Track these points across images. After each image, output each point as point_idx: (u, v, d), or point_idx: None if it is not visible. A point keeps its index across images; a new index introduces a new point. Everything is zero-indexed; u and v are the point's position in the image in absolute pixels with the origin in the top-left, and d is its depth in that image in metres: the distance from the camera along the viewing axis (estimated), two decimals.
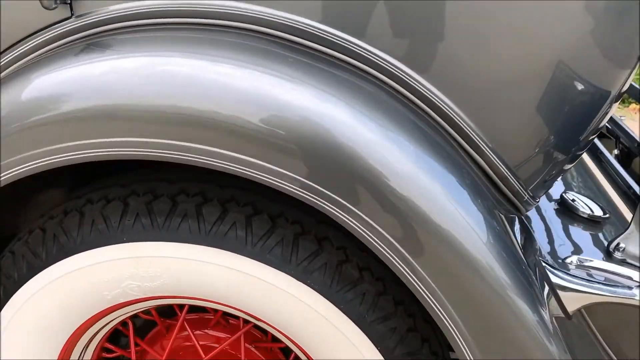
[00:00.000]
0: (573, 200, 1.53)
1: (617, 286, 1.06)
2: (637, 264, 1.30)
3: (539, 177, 1.16)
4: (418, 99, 1.02)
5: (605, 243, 1.36)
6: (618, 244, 1.31)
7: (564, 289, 1.06)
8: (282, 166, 0.90)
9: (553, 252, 1.32)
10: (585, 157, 2.01)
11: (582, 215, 1.49)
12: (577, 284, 1.06)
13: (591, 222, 1.49)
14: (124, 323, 1.23)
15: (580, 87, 1.05)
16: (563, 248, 1.37)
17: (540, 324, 0.96)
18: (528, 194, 1.16)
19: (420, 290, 0.94)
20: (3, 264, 1.10)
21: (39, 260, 1.07)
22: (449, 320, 0.95)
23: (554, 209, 1.54)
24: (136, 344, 1.24)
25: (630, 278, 1.18)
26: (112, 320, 1.18)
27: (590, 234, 1.50)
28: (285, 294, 1.02)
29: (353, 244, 1.03)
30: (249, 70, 0.93)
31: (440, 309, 0.94)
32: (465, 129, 1.04)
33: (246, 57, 0.95)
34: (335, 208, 0.91)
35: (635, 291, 1.04)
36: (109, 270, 1.05)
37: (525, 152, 1.10)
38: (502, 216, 1.07)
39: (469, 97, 1.03)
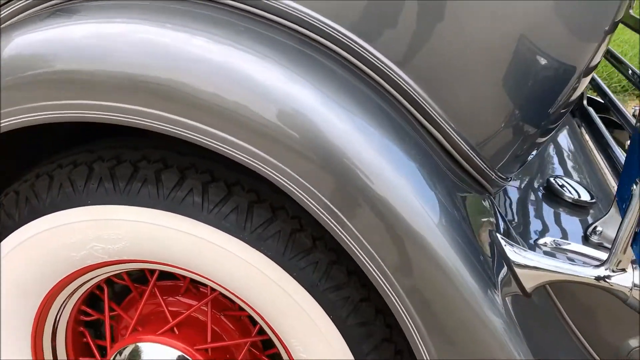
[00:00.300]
0: (562, 185, 1.51)
1: (577, 265, 1.04)
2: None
3: (505, 156, 1.15)
4: (374, 72, 1.02)
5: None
6: (595, 227, 1.30)
7: (521, 266, 1.05)
8: (234, 135, 0.92)
9: (525, 233, 1.31)
10: (591, 145, 1.98)
11: (567, 200, 1.48)
12: (534, 261, 1.05)
13: (577, 207, 1.48)
14: (101, 288, 1.28)
15: (543, 61, 1.04)
16: (540, 230, 1.36)
17: (486, 300, 0.96)
18: (495, 173, 1.16)
19: (366, 264, 0.95)
20: None
21: (11, 221, 1.12)
22: (392, 293, 0.95)
23: (541, 194, 1.52)
24: (111, 309, 1.29)
25: (598, 260, 1.17)
26: (85, 282, 1.23)
27: (578, 218, 1.48)
28: (239, 259, 1.04)
29: (308, 214, 1.05)
30: (222, 45, 0.95)
31: (384, 280, 0.95)
32: (425, 106, 1.04)
33: (219, 31, 0.97)
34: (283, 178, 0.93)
35: (593, 270, 1.02)
36: (75, 231, 1.09)
37: (488, 129, 1.10)
38: (461, 194, 1.07)
39: (428, 73, 1.03)
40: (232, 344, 1.23)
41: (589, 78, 1.16)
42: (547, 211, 1.44)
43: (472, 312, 0.95)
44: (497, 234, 1.08)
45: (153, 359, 1.19)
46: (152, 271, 1.23)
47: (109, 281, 1.28)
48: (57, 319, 1.28)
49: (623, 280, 1.01)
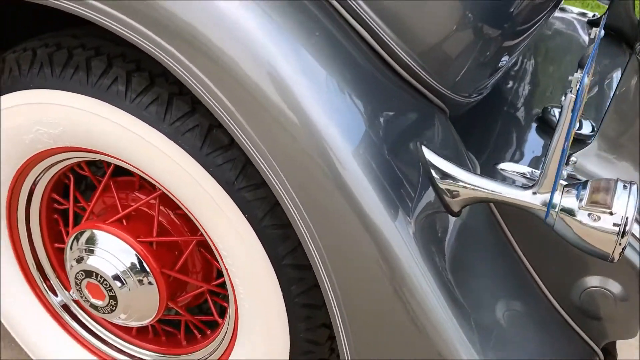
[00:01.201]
0: (556, 115, 1.39)
1: (505, 184, 0.96)
2: (584, 179, 1.17)
3: (453, 71, 1.07)
4: None
5: None
6: (570, 157, 1.19)
7: (444, 181, 0.98)
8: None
9: (491, 158, 1.23)
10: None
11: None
12: (458, 177, 0.98)
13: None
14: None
15: None
16: (511, 157, 1.27)
17: (395, 216, 0.91)
18: (445, 89, 1.08)
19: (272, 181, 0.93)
20: None
21: None
22: (294, 210, 0.93)
23: (536, 122, 1.41)
24: (77, 200, 1.35)
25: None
26: (48, 169, 1.29)
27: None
28: (159, 151, 1.05)
29: None
30: None
31: (285, 195, 0.93)
32: (366, 19, 0.98)
33: None
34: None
35: (519, 191, 0.93)
36: (21, 113, 1.14)
37: (430, 40, 1.02)
38: (391, 111, 1.01)
39: None
40: (173, 239, 1.26)
41: None
42: (533, 140, 1.33)
43: (364, 228, 0.90)
44: (430, 151, 1.00)
45: (105, 248, 1.24)
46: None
47: (76, 174, 1.34)
48: (29, 204, 1.36)
49: (545, 201, 0.92)
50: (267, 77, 0.88)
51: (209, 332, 1.37)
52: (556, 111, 1.37)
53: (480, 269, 1.09)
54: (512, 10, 1.01)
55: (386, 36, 1.00)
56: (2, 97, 1.15)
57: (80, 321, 1.49)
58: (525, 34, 1.12)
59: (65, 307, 1.49)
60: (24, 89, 1.12)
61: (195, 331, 1.39)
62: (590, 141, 1.36)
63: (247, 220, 1.05)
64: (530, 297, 1.13)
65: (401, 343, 0.98)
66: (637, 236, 1.09)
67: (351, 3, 0.97)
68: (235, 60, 0.88)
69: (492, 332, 1.05)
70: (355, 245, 0.91)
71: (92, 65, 1.06)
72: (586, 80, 0.86)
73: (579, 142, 1.37)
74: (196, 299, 1.37)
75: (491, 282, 1.09)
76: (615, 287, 1.08)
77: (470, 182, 0.97)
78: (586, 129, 1.37)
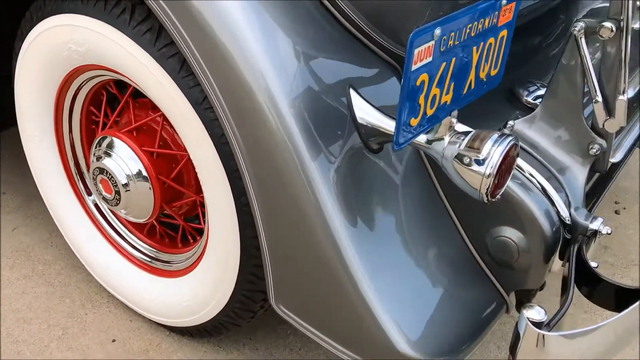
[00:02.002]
0: (526, 87, 1.48)
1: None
2: (525, 146, 1.29)
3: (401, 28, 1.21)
4: None
5: None
6: (507, 122, 1.31)
7: (364, 125, 1.14)
8: None
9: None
10: None
11: (524, 102, 1.45)
12: (374, 118, 1.13)
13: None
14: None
15: None
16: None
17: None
18: (394, 46, 1.23)
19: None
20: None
21: (31, 21, 1.50)
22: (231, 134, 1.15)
23: (502, 94, 1.50)
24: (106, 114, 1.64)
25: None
26: (83, 84, 1.58)
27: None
28: (149, 72, 1.29)
29: None
30: None
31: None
32: None
33: None
34: None
35: (422, 137, 1.08)
36: (57, 33, 1.43)
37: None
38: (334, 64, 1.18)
39: None
40: (170, 152, 1.50)
41: None
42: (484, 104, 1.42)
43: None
44: (356, 94, 1.16)
45: (116, 152, 1.52)
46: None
47: (109, 92, 1.62)
48: (72, 115, 1.67)
49: (438, 145, 1.06)
50: (223, 23, 1.09)
51: (199, 238, 1.62)
52: (535, 85, 1.47)
53: (401, 208, 1.24)
54: None
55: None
56: (46, 19, 1.44)
57: (106, 218, 1.79)
58: None
59: (96, 206, 1.80)
60: (61, 13, 1.40)
61: (189, 236, 1.65)
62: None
63: (209, 136, 1.27)
64: (448, 240, 1.27)
65: (312, 275, 1.18)
66: (550, 197, 1.20)
67: None
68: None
69: (399, 266, 1.21)
70: (279, 179, 1.11)
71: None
72: None
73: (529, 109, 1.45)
74: (192, 209, 1.61)
75: (409, 221, 1.24)
76: (519, 238, 1.19)
77: (381, 121, 1.13)
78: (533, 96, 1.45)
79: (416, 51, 0.85)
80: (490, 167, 1.00)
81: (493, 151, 1.00)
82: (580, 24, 1.16)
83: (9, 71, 1.68)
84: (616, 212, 2.38)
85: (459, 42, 0.94)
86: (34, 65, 1.56)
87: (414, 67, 0.86)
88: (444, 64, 0.93)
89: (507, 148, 1.01)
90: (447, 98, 1.00)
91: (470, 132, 1.06)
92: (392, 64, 1.27)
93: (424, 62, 0.88)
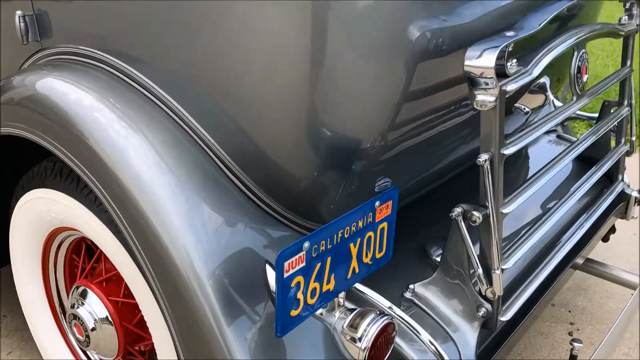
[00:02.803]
0: (440, 247, 1.69)
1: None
2: (424, 307, 1.50)
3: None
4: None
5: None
6: (409, 285, 1.51)
7: None
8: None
9: None
10: None
11: (434, 262, 1.65)
12: None
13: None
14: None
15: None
16: None
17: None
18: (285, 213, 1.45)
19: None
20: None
21: (22, 189, 1.78)
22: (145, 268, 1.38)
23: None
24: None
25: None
26: (64, 240, 1.84)
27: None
28: (101, 230, 1.54)
29: None
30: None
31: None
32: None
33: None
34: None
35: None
36: (43, 203, 1.71)
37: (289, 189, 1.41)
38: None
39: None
40: (133, 302, 1.73)
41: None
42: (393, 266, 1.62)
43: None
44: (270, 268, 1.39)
45: (87, 301, 1.76)
46: None
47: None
48: (56, 262, 1.93)
49: (330, 318, 1.28)
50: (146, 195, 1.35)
51: None
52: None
53: None
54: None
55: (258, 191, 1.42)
56: (32, 190, 1.73)
57: (87, 354, 2.01)
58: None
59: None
60: (43, 188, 1.69)
61: None
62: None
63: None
64: None
65: None
66: (442, 356, 1.39)
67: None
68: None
69: None
70: (200, 340, 1.33)
71: (64, 173, 1.60)
72: None
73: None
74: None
75: None
76: None
77: None
78: None
79: (286, 263, 1.07)
80: (366, 343, 1.20)
81: (369, 329, 1.21)
82: (458, 210, 1.39)
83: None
84: (570, 333, 2.52)
85: (332, 246, 1.16)
86: (24, 224, 1.84)
87: (286, 275, 1.08)
88: (319, 264, 1.15)
89: (382, 326, 1.22)
90: (329, 286, 1.22)
91: (355, 309, 1.27)
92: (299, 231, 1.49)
93: (297, 268, 1.10)
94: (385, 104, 1.31)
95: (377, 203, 1.24)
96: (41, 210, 1.74)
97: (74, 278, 1.99)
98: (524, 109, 2.04)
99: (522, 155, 2.30)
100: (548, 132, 2.47)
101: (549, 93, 2.05)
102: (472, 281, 1.45)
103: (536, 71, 1.35)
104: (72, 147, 1.46)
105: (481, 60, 1.22)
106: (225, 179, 1.43)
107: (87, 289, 1.76)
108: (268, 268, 1.39)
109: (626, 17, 1.91)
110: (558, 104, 2.08)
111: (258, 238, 1.42)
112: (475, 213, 1.35)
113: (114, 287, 1.77)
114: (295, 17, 1.18)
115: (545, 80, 2.00)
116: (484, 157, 1.31)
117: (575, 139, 2.40)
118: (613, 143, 2.17)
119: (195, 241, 1.34)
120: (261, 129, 1.36)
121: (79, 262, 1.90)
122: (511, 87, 1.27)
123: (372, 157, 1.38)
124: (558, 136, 2.41)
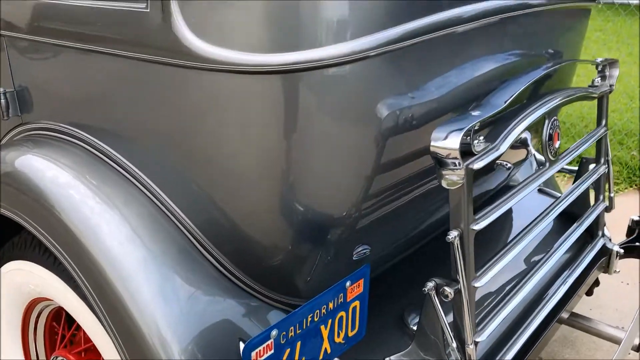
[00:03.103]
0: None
1: None
2: None
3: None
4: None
5: None
6: (384, 358, 1.51)
7: None
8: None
9: None
10: None
11: (411, 331, 1.65)
12: None
13: None
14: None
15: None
16: None
17: None
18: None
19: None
20: None
21: (3, 258, 1.79)
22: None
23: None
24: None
25: None
26: (44, 309, 1.84)
27: None
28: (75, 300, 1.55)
29: None
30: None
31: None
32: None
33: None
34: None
35: None
36: (22, 274, 1.71)
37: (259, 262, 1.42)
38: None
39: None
40: None
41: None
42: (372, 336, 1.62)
43: None
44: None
45: None
46: None
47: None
48: (36, 329, 1.92)
49: None
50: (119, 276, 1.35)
51: None
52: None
53: None
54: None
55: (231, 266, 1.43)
56: (13, 261, 1.73)
57: None
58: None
59: None
60: (22, 260, 1.69)
61: None
62: None
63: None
64: None
65: None
66: None
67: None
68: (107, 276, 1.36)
69: None
70: None
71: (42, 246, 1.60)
72: None
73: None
74: None
75: None
76: None
77: None
78: None
79: (253, 353, 1.08)
80: None
81: None
82: (430, 284, 1.39)
83: None
84: None
85: (301, 330, 1.17)
86: (4, 293, 1.84)
87: None
88: (288, 350, 1.16)
89: None
90: None
91: None
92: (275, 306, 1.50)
93: (265, 356, 1.11)
94: (359, 175, 1.33)
95: (347, 283, 1.25)
96: (20, 282, 1.74)
97: (54, 346, 1.98)
98: (506, 165, 2.06)
99: None
100: None
101: (531, 147, 2.08)
102: (447, 352, 1.45)
103: (503, 147, 1.37)
104: (44, 222, 1.47)
105: (447, 142, 1.24)
106: (199, 256, 1.44)
107: (64, 358, 1.75)
108: (241, 345, 1.39)
109: (599, 79, 1.94)
110: (540, 157, 2.10)
111: (232, 313, 1.43)
112: (447, 289, 1.36)
113: (93, 356, 1.76)
114: (266, 91, 1.21)
115: (526, 135, 2.02)
116: (453, 233, 1.32)
117: (556, 194, 2.42)
118: (592, 199, 2.19)
119: (167, 317, 1.34)
120: (234, 205, 1.37)
121: (59, 329, 1.90)
122: (478, 165, 1.29)
123: (347, 227, 1.39)
124: (539, 190, 2.43)
